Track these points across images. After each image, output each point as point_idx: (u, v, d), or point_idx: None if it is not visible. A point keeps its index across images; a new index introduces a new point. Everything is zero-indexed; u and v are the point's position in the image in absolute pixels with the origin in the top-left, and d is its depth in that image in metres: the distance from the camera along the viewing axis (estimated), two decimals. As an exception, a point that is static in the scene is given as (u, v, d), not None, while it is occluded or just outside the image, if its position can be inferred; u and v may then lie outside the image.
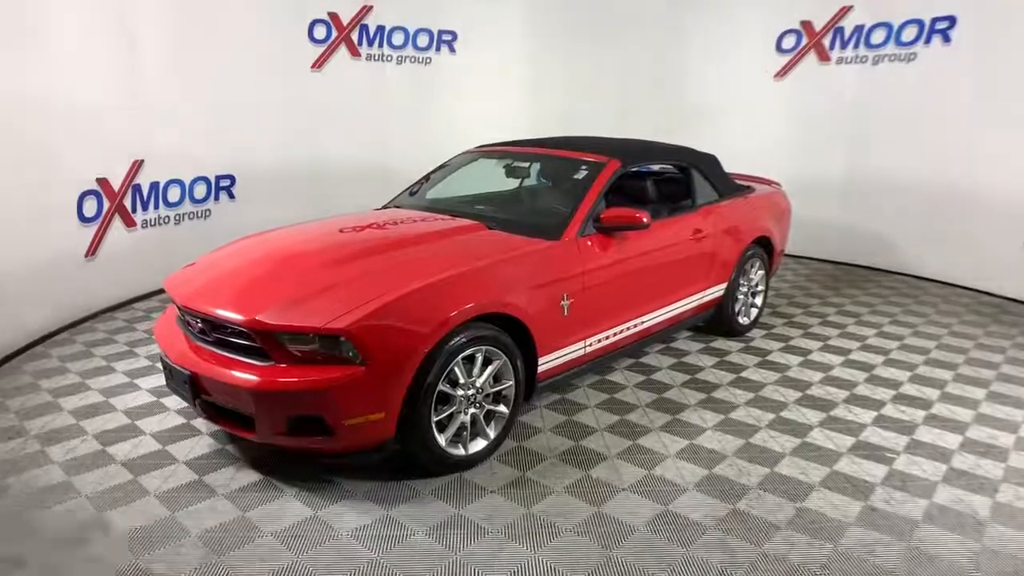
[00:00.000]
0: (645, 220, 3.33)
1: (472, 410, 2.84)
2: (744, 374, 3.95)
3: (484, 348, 2.79)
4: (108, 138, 4.82)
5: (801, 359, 4.20)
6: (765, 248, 4.69)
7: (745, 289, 4.59)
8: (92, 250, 4.79)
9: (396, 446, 2.67)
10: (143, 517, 2.52)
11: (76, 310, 4.72)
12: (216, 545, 2.37)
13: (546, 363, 3.13)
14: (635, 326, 3.66)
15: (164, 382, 3.65)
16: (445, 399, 2.74)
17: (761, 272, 4.70)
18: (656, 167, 4.52)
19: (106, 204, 4.85)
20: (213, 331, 2.74)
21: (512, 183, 4.43)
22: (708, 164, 4.39)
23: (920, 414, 3.45)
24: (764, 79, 7.06)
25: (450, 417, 2.78)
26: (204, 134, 5.65)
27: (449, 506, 2.61)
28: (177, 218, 5.54)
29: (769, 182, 5.23)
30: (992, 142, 5.66)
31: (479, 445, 2.89)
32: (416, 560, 2.30)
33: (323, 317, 2.49)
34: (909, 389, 3.76)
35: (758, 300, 4.75)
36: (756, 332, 4.70)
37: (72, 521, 2.50)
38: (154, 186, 5.27)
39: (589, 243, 3.33)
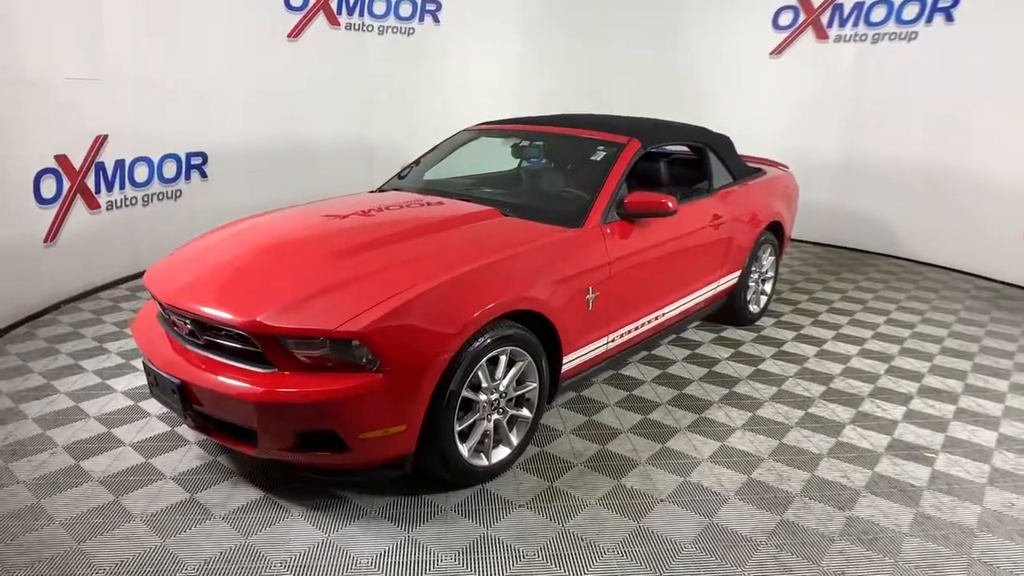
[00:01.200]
0: (671, 205, 3.10)
1: (495, 416, 2.60)
2: (762, 366, 3.78)
3: (509, 348, 2.54)
4: (67, 111, 4.35)
5: (817, 349, 4.05)
6: (776, 233, 4.52)
7: (756, 276, 4.41)
8: (52, 235, 4.36)
9: (415, 459, 2.41)
10: (129, 547, 2.22)
11: (35, 301, 4.30)
12: (217, 578, 2.09)
13: (570, 361, 2.89)
14: (656, 318, 3.44)
15: (141, 382, 3.34)
16: (466, 406, 2.49)
17: (772, 258, 4.53)
18: (670, 148, 4.28)
19: (66, 184, 4.40)
20: (204, 333, 2.42)
21: (520, 165, 4.13)
22: (723, 145, 4.17)
23: (949, 408, 3.33)
24: (760, 57, 6.85)
25: (471, 425, 2.53)
26: (173, 107, 5.18)
27: (476, 524, 2.37)
28: (145, 199, 5.10)
29: (777, 164, 5.05)
30: (993, 125, 5.55)
31: (502, 453, 2.65)
32: (447, 590, 2.07)
33: (335, 318, 2.20)
34: (932, 381, 3.64)
35: (767, 287, 4.58)
36: (765, 320, 4.54)
37: (46, 556, 2.18)
38: (119, 164, 4.83)
39: (610, 230, 3.08)
